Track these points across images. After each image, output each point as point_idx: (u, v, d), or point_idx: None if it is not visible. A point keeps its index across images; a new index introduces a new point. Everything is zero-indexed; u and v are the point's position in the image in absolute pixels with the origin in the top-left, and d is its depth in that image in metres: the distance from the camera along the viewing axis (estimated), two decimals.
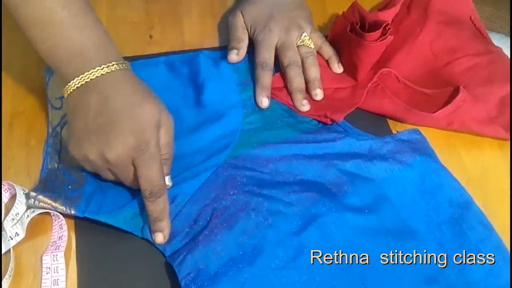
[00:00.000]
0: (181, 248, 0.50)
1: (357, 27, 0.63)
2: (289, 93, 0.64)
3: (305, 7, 0.69)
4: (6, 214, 0.51)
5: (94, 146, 0.49)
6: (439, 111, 0.61)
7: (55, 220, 0.51)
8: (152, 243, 0.52)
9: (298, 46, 0.66)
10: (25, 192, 0.52)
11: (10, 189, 0.53)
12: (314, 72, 0.64)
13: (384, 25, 0.62)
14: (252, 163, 0.57)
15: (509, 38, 0.72)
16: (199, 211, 0.53)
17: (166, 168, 0.52)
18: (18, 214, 0.50)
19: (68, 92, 0.51)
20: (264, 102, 0.63)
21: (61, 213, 0.52)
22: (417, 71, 0.65)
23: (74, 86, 0.50)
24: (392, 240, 0.51)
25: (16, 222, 0.49)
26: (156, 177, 0.50)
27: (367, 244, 0.51)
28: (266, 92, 0.63)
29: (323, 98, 0.64)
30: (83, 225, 0.53)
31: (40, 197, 0.51)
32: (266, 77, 0.64)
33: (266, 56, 0.65)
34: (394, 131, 0.62)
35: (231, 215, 0.52)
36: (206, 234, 0.50)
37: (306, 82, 0.64)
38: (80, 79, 0.50)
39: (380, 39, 0.62)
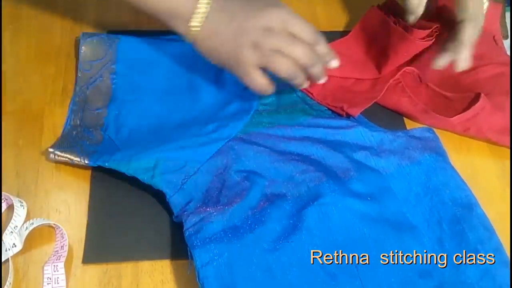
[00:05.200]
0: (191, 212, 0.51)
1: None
2: None
3: None
4: (3, 224, 0.51)
5: None
6: (457, 116, 0.60)
7: (57, 229, 0.51)
8: (160, 200, 0.53)
9: None
10: (22, 204, 0.52)
11: (6, 199, 0.53)
12: None
13: (434, 27, 0.61)
14: (263, 140, 0.57)
15: (507, 39, 0.72)
16: (211, 181, 0.54)
17: None
18: (17, 227, 0.50)
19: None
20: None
21: (77, 164, 0.54)
22: (440, 73, 0.64)
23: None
24: (390, 230, 0.51)
25: (14, 233, 0.49)
26: None
27: (365, 229, 0.50)
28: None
29: (341, 90, 0.64)
30: (99, 177, 0.55)
31: (58, 152, 0.55)
32: None
33: None
34: None
35: (239, 192, 0.52)
36: (214, 203, 0.51)
37: None
38: None
39: (426, 39, 0.61)
